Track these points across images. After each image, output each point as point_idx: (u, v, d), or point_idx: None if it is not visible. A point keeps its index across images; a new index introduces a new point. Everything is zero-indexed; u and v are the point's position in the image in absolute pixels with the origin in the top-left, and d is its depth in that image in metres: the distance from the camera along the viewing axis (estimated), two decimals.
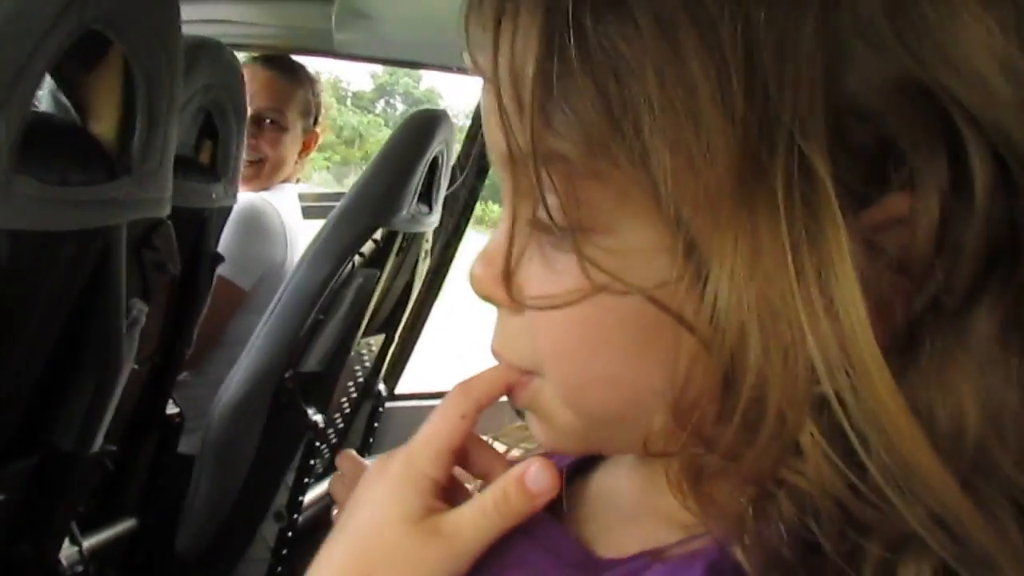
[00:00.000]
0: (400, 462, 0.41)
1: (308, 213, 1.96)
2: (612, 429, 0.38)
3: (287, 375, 1.54)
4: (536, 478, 0.39)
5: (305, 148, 1.98)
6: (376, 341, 1.84)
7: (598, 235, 0.33)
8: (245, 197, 1.77)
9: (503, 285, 0.37)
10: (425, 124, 1.65)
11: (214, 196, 1.28)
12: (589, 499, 0.44)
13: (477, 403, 0.41)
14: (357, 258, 1.63)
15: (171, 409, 1.43)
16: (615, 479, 0.43)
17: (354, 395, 1.82)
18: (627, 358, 0.35)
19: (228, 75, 1.27)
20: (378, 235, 1.66)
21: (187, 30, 1.37)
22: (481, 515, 0.39)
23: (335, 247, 1.53)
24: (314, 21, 1.83)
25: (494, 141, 0.36)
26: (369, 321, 1.73)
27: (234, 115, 1.30)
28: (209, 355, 1.72)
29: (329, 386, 1.65)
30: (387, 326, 1.86)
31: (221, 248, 1.61)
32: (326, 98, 2.14)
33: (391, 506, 0.39)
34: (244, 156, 1.79)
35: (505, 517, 0.39)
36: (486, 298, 0.39)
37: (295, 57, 1.96)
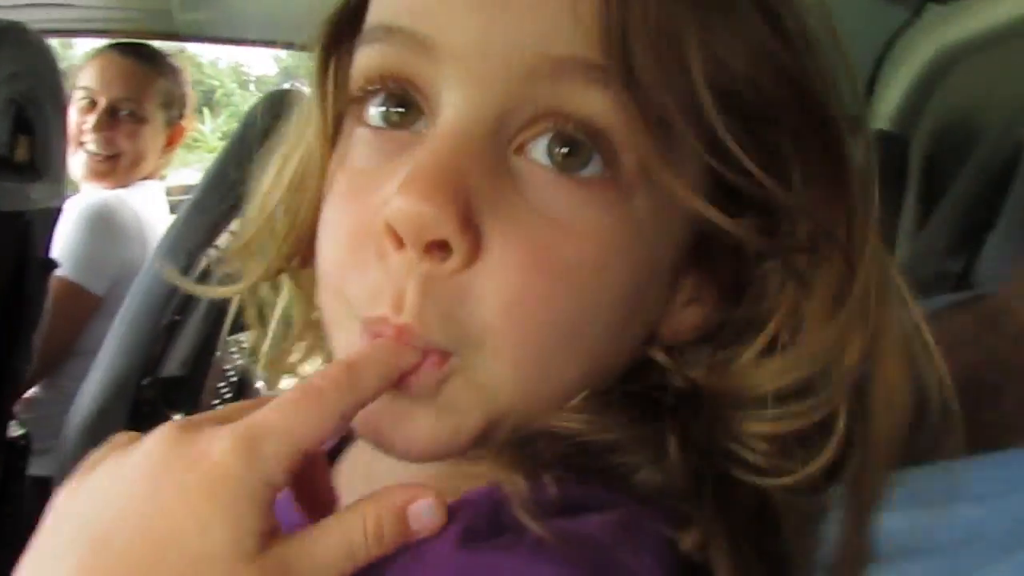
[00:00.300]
0: (237, 458, 0.28)
1: (177, 208, 1.85)
2: (542, 402, 0.33)
3: (145, 382, 1.44)
4: (427, 517, 0.30)
5: (170, 142, 1.84)
6: (249, 337, 1.75)
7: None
8: (96, 195, 1.66)
9: (468, 226, 0.30)
10: (281, 104, 1.57)
11: (33, 197, 1.17)
12: (344, 478, 0.39)
13: (363, 400, 0.30)
14: (214, 252, 1.54)
15: (16, 431, 1.33)
16: (372, 458, 0.39)
17: (228, 395, 1.73)
18: (627, 308, 0.33)
19: (39, 62, 1.16)
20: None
21: (5, 15, 1.26)
22: (347, 555, 0.29)
23: (187, 242, 1.43)
24: (154, 2, 1.72)
25: (538, 37, 0.30)
26: (237, 317, 1.64)
27: (51, 107, 1.20)
28: (62, 367, 1.60)
29: (195, 389, 1.56)
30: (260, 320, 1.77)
31: (69, 251, 1.51)
32: (228, 85, 2.03)
33: (219, 529, 0.27)
34: (99, 150, 1.69)
35: (371, 556, 0.29)
36: (432, 243, 0.30)
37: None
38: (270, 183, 0.41)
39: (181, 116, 1.84)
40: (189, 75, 1.88)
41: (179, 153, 1.97)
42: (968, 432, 0.38)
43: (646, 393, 0.35)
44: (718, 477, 0.33)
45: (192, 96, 1.88)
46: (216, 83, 7.58)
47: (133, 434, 0.32)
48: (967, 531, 0.32)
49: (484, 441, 0.33)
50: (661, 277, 0.35)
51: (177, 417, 1.40)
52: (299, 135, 0.40)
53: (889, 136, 1.45)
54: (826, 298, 0.33)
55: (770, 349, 0.34)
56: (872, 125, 1.52)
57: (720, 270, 0.36)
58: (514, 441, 0.33)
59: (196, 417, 0.31)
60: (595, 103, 0.30)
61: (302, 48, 0.39)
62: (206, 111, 7.32)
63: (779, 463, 0.33)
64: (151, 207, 1.76)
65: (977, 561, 0.31)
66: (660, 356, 0.36)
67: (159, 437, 0.29)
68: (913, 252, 1.10)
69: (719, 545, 0.31)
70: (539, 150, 0.31)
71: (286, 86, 1.63)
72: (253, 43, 1.90)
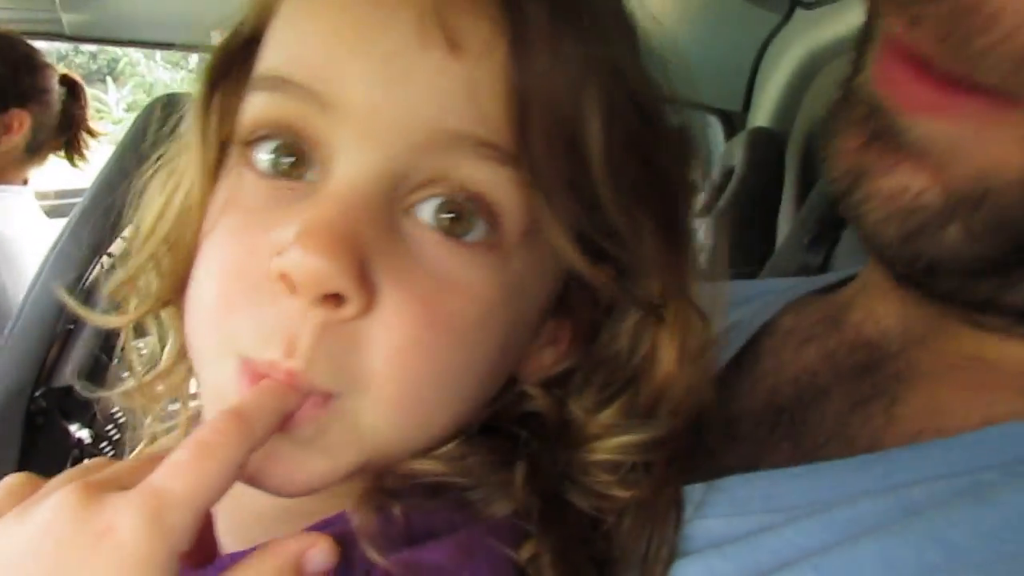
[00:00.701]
0: (142, 534, 0.27)
1: (57, 212, 1.78)
2: (418, 441, 0.35)
3: (38, 393, 1.42)
4: (320, 562, 0.31)
5: (6, 131, 1.58)
6: (150, 342, 1.72)
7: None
8: None
9: (364, 281, 0.31)
10: (175, 108, 1.54)
11: None
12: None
13: (255, 447, 0.30)
14: (107, 259, 1.51)
15: None
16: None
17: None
18: (500, 356, 0.36)
19: None
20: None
21: None
22: None
23: (77, 251, 1.40)
24: (38, 3, 1.67)
25: (443, 119, 0.32)
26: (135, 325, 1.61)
27: None
28: None
29: (91, 399, 1.53)
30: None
31: None
32: (133, 54, 1.83)
33: None
34: None
35: None
36: (326, 295, 0.31)
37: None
38: (154, 216, 0.40)
39: (20, 101, 1.58)
40: (32, 52, 1.61)
41: None
42: (794, 436, 0.41)
43: (506, 428, 0.38)
44: (554, 498, 0.36)
45: (47, 78, 1.61)
46: (120, 52, 7.24)
47: (30, 479, 0.33)
48: (775, 539, 0.35)
49: (357, 475, 0.35)
50: (530, 326, 0.38)
51: (75, 427, 1.38)
52: (184, 165, 0.39)
53: (768, 133, 1.52)
54: (669, 347, 0.37)
55: (617, 392, 0.38)
56: (752, 122, 1.59)
57: (576, 316, 0.39)
58: (374, 478, 0.35)
59: (96, 477, 0.31)
60: (486, 176, 0.32)
61: (184, 49, 0.38)
62: (110, 81, 7.01)
63: (615, 488, 0.37)
64: (5, 218, 1.60)
65: (778, 565, 0.34)
66: (536, 392, 0.39)
67: (60, 505, 0.29)
68: (782, 244, 1.16)
69: (545, 557, 0.35)
70: (426, 213, 0.33)
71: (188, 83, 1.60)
72: (138, 44, 1.85)
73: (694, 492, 0.38)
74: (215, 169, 0.37)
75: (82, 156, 1.74)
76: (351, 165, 0.32)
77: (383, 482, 0.35)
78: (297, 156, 0.34)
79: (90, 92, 1.79)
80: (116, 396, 0.45)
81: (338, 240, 0.30)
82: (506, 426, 0.38)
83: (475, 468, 0.36)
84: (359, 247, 0.31)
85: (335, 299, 0.31)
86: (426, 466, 0.35)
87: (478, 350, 0.34)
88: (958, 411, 0.36)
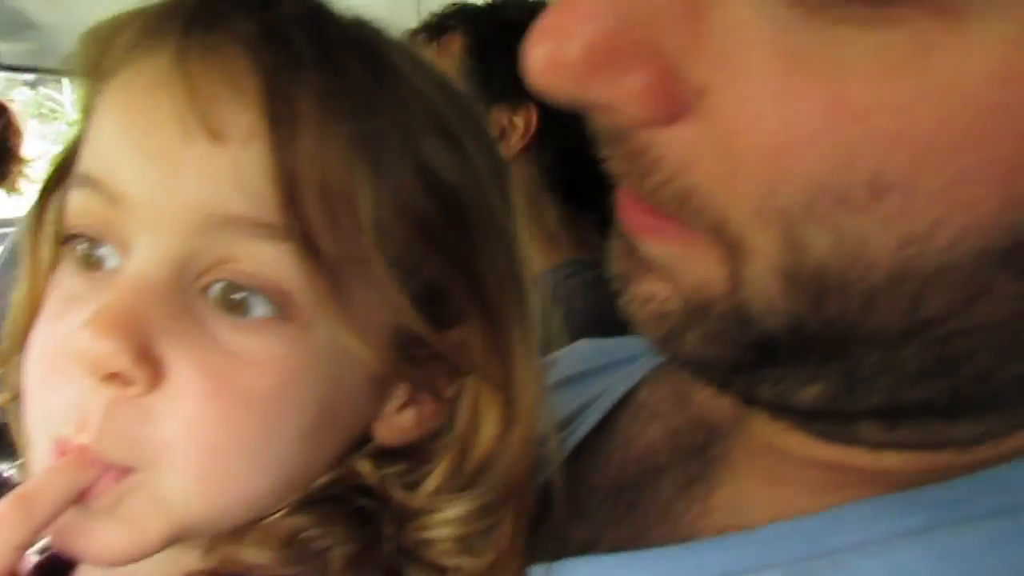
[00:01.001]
0: None
1: None
2: (231, 511, 0.36)
3: None
4: None
5: None
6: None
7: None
8: None
9: (146, 359, 0.32)
10: None
11: None
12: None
13: (39, 527, 0.32)
14: None
15: None
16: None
17: None
18: (315, 424, 0.36)
19: None
20: None
21: None
22: None
23: (9, 284, 1.38)
24: None
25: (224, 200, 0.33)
26: None
27: None
28: None
29: (11, 434, 1.49)
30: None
31: None
32: None
33: None
34: None
35: None
36: (111, 373, 0.32)
37: None
38: (13, 308, 0.41)
39: None
40: None
41: (34, 124, 1.75)
42: (630, 517, 0.41)
43: (348, 497, 0.38)
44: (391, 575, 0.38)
45: None
46: None
47: None
48: None
49: (180, 541, 0.36)
50: (358, 392, 0.38)
51: (3, 467, 1.33)
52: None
53: None
54: (490, 415, 0.38)
55: (439, 463, 0.39)
56: None
57: (430, 375, 0.39)
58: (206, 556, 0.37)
59: None
60: (264, 256, 0.33)
61: None
62: (65, 80, 6.71)
63: (453, 558, 0.38)
64: None
65: None
66: (365, 467, 0.39)
67: None
68: None
69: None
70: (215, 294, 0.34)
71: None
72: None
73: (534, 574, 0.38)
74: (54, 264, 0.39)
75: (14, 186, 1.70)
76: (139, 254, 0.34)
77: (214, 560, 0.37)
78: (103, 248, 0.36)
79: (44, 92, 1.74)
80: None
81: (119, 323, 0.32)
82: (352, 497, 0.39)
83: (310, 546, 0.37)
84: (143, 328, 0.33)
85: (121, 378, 0.33)
86: (254, 556, 0.37)
87: (281, 419, 0.35)
88: (757, 504, 0.37)
